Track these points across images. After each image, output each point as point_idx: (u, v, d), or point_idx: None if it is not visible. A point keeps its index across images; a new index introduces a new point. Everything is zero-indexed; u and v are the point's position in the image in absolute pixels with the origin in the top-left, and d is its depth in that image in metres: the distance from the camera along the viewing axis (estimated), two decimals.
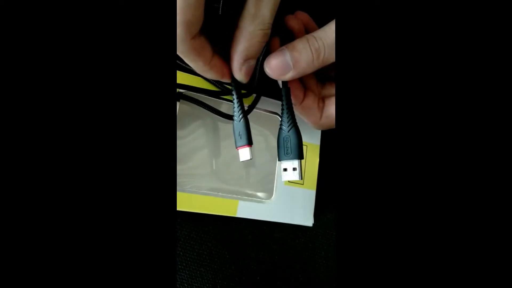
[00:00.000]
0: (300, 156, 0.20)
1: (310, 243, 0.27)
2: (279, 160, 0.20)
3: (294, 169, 0.20)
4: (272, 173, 0.25)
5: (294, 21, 0.21)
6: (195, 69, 0.19)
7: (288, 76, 0.19)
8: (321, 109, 0.22)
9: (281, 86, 0.20)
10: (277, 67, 0.19)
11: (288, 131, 0.20)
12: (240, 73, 0.19)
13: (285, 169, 0.20)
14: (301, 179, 0.20)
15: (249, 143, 0.20)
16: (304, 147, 0.26)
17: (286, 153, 0.20)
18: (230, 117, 0.23)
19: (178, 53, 0.17)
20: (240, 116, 0.20)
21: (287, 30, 0.21)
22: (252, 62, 0.19)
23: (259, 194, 0.24)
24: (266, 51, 0.20)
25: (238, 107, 0.20)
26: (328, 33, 0.18)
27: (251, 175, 0.25)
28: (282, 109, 0.20)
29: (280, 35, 0.21)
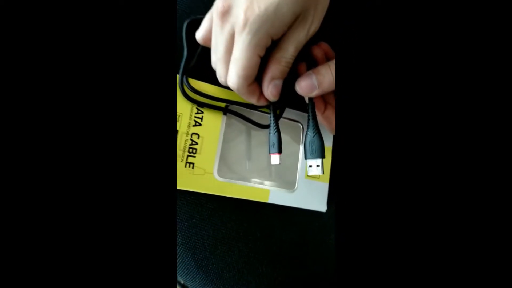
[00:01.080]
0: (323, 155, 0.26)
1: (322, 226, 0.33)
2: (305, 158, 0.27)
3: (318, 165, 0.26)
4: (295, 170, 0.31)
5: (317, 50, 0.27)
6: (248, 101, 0.25)
7: (314, 93, 0.25)
8: None
9: (307, 101, 0.27)
10: (306, 87, 0.25)
11: (313, 136, 0.26)
12: (267, 91, 0.24)
13: (310, 166, 0.27)
14: (323, 173, 0.26)
15: (280, 151, 0.26)
16: None
17: (311, 153, 0.26)
18: (263, 126, 0.29)
19: (237, 93, 0.24)
20: (275, 130, 0.26)
21: (312, 57, 0.27)
22: (278, 82, 0.24)
23: (285, 185, 0.31)
24: (294, 74, 0.26)
25: (273, 123, 0.26)
26: None
27: (279, 171, 0.31)
28: (308, 118, 0.27)
29: (306, 61, 0.27)
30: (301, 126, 0.32)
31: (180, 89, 0.26)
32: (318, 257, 0.33)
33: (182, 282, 0.32)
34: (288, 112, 0.31)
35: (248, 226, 0.30)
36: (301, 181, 0.31)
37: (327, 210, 0.32)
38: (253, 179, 0.29)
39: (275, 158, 0.26)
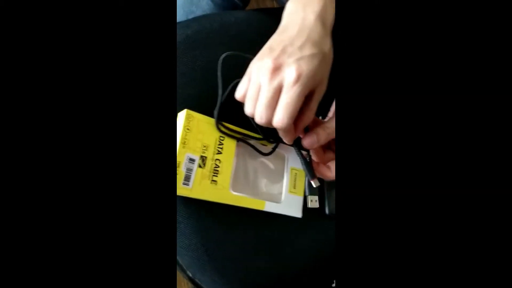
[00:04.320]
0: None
1: (299, 227, 0.45)
2: (307, 194, 0.41)
3: (316, 200, 0.41)
4: (281, 187, 0.43)
5: None
6: (284, 138, 0.36)
7: (315, 146, 0.37)
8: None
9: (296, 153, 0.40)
10: (310, 143, 0.37)
11: (311, 180, 0.39)
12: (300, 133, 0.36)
13: (311, 200, 0.41)
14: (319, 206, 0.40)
15: (314, 177, 0.39)
16: (297, 172, 0.44)
17: (310, 192, 0.41)
18: (264, 154, 0.41)
19: (281, 131, 0.35)
20: (303, 164, 0.39)
21: None
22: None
23: (275, 198, 0.42)
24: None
25: (303, 161, 0.39)
26: (332, 123, 0.37)
27: (271, 188, 0.42)
28: (303, 163, 0.40)
29: None
30: (286, 156, 0.44)
31: (217, 128, 0.37)
32: (294, 248, 0.45)
33: (191, 275, 0.41)
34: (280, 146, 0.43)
35: (248, 228, 0.41)
36: (286, 195, 0.43)
37: (302, 216, 0.44)
38: (254, 193, 0.41)
39: (315, 182, 0.39)
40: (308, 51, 0.31)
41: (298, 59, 0.30)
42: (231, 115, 0.38)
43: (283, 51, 0.31)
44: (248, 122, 0.39)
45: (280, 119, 0.31)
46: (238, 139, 0.39)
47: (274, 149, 0.41)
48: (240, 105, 0.36)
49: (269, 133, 0.41)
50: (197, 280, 0.41)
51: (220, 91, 0.37)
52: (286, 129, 0.34)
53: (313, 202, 0.40)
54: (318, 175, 0.40)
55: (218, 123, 0.37)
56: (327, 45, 0.33)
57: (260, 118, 0.33)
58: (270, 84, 0.31)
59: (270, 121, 0.33)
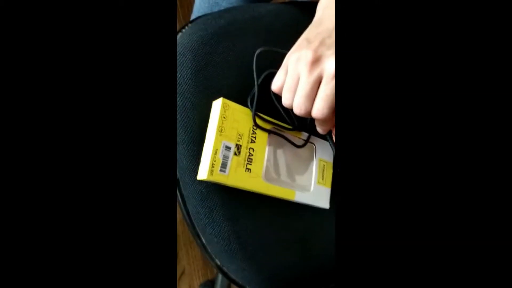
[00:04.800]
0: None
1: (326, 218, 0.46)
2: None
3: None
4: (310, 178, 0.43)
5: None
6: (321, 128, 0.37)
7: None
8: None
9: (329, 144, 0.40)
10: None
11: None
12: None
13: None
14: None
15: None
16: (325, 163, 0.45)
17: None
18: (296, 146, 0.41)
19: (321, 121, 0.35)
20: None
21: None
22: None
23: (304, 188, 0.43)
24: None
25: (333, 148, 0.39)
26: None
27: (300, 178, 0.43)
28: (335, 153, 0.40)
29: None
30: (314, 146, 0.44)
31: (254, 122, 0.37)
32: (321, 236, 0.45)
33: (219, 263, 0.41)
34: (304, 136, 0.43)
35: (278, 218, 0.41)
36: (314, 186, 0.43)
37: (329, 207, 0.44)
38: (284, 183, 0.41)
39: None
40: None
41: None
42: (260, 105, 0.38)
43: (322, 43, 0.32)
44: (276, 112, 0.40)
45: (319, 110, 0.32)
46: (270, 132, 0.39)
47: (306, 142, 0.41)
48: (269, 95, 0.36)
49: (300, 124, 0.41)
50: (224, 268, 0.41)
51: (256, 88, 0.38)
52: (325, 120, 0.34)
53: None
54: None
55: (256, 114, 0.38)
56: None
57: (299, 109, 0.33)
58: (310, 75, 0.31)
59: (309, 111, 0.33)
